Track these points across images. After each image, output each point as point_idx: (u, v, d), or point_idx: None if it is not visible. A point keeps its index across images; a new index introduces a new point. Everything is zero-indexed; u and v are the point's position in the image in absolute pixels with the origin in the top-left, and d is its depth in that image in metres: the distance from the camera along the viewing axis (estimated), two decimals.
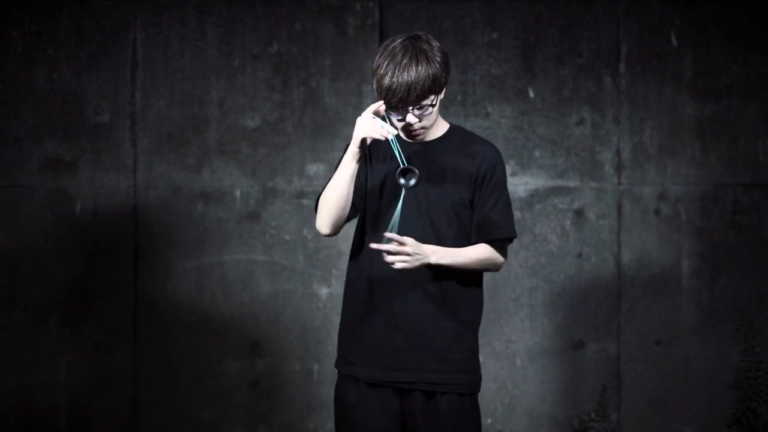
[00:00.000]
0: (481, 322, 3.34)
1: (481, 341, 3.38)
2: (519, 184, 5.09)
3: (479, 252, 3.23)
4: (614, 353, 5.09)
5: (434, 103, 3.19)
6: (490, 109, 5.12)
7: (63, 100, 5.09)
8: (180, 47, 5.10)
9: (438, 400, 3.23)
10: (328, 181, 3.24)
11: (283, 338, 5.08)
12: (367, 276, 3.25)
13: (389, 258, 3.11)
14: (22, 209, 5.06)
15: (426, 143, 3.27)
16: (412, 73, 3.11)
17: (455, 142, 3.28)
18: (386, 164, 3.25)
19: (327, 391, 5.01)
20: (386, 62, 3.12)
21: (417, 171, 3.12)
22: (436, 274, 3.23)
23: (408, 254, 3.12)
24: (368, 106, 3.24)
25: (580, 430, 5.00)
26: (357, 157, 3.17)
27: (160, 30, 5.10)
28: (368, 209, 3.27)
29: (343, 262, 4.98)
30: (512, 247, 5.02)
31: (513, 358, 5.10)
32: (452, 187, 3.23)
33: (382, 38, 5.03)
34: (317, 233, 5.05)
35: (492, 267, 3.28)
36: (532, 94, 5.12)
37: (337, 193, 3.20)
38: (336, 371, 3.34)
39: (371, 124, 3.11)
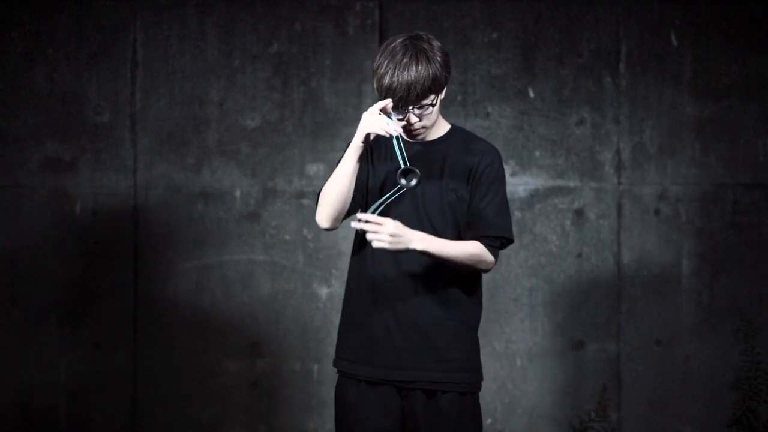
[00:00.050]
0: (481, 322, 3.34)
1: (481, 341, 3.38)
2: (519, 184, 5.10)
3: (469, 247, 3.19)
4: (614, 353, 5.09)
5: (434, 102, 3.19)
6: (490, 109, 5.12)
7: (63, 100, 5.09)
8: (180, 47, 5.10)
9: (439, 399, 3.23)
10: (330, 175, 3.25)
11: (283, 338, 5.08)
12: (368, 275, 3.25)
13: (368, 236, 3.09)
14: (22, 209, 5.06)
15: (427, 143, 3.27)
16: (412, 73, 3.11)
17: (456, 143, 3.28)
18: (387, 164, 3.26)
19: (327, 391, 5.01)
20: (386, 61, 3.13)
21: (418, 172, 3.13)
22: (435, 273, 3.23)
23: (389, 234, 3.09)
24: (368, 106, 3.24)
25: (580, 430, 5.00)
26: (360, 151, 3.17)
27: (160, 30, 5.10)
28: (369, 208, 3.27)
29: (343, 262, 4.99)
30: (512, 247, 5.03)
31: (513, 358, 5.10)
32: (451, 187, 3.23)
33: (382, 38, 5.03)
34: (317, 233, 5.09)
35: (481, 265, 3.21)
36: (532, 94, 5.12)
37: (338, 187, 3.20)
38: (336, 371, 3.34)
39: (377, 121, 3.11)
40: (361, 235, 3.29)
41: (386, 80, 3.12)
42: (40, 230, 5.05)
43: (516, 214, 5.06)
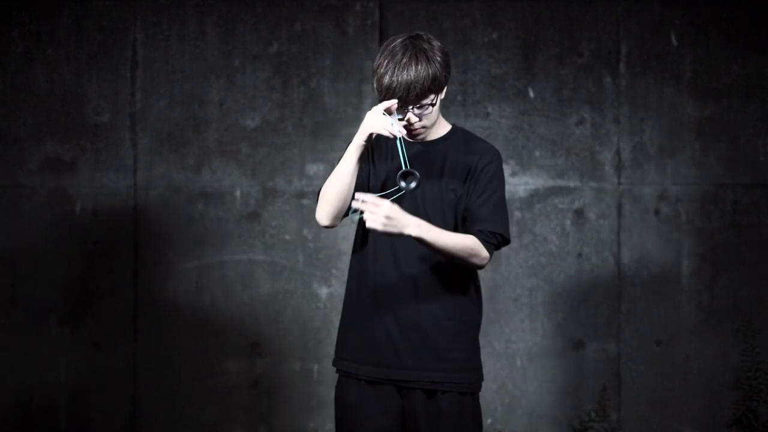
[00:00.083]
0: (482, 322, 3.34)
1: (481, 341, 3.38)
2: (519, 184, 5.10)
3: (464, 239, 3.18)
4: (614, 353, 5.09)
5: (434, 102, 3.19)
6: (490, 109, 5.12)
7: (63, 100, 5.09)
8: (180, 47, 5.10)
9: (439, 399, 3.23)
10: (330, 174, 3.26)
11: (283, 338, 5.08)
12: (369, 274, 3.26)
13: (364, 216, 3.07)
14: (22, 209, 5.06)
15: (427, 143, 3.27)
16: (412, 73, 3.11)
17: (456, 143, 3.28)
18: (388, 164, 3.26)
19: (327, 391, 5.01)
20: (386, 61, 3.13)
21: (418, 174, 3.12)
22: (436, 274, 3.23)
23: (384, 216, 3.06)
24: (368, 106, 3.24)
25: (580, 430, 5.00)
26: (361, 150, 3.17)
27: (160, 30, 5.10)
28: None
29: (343, 262, 4.99)
30: (512, 247, 5.03)
31: (513, 358, 5.10)
32: (451, 187, 3.24)
33: (382, 38, 5.03)
34: (317, 233, 5.08)
35: (475, 259, 3.20)
36: (532, 94, 5.12)
37: (338, 185, 3.21)
38: (336, 371, 3.34)
39: (382, 121, 3.11)
40: (361, 233, 3.30)
41: (386, 80, 3.12)
42: (40, 230, 5.05)
43: (516, 214, 5.06)
